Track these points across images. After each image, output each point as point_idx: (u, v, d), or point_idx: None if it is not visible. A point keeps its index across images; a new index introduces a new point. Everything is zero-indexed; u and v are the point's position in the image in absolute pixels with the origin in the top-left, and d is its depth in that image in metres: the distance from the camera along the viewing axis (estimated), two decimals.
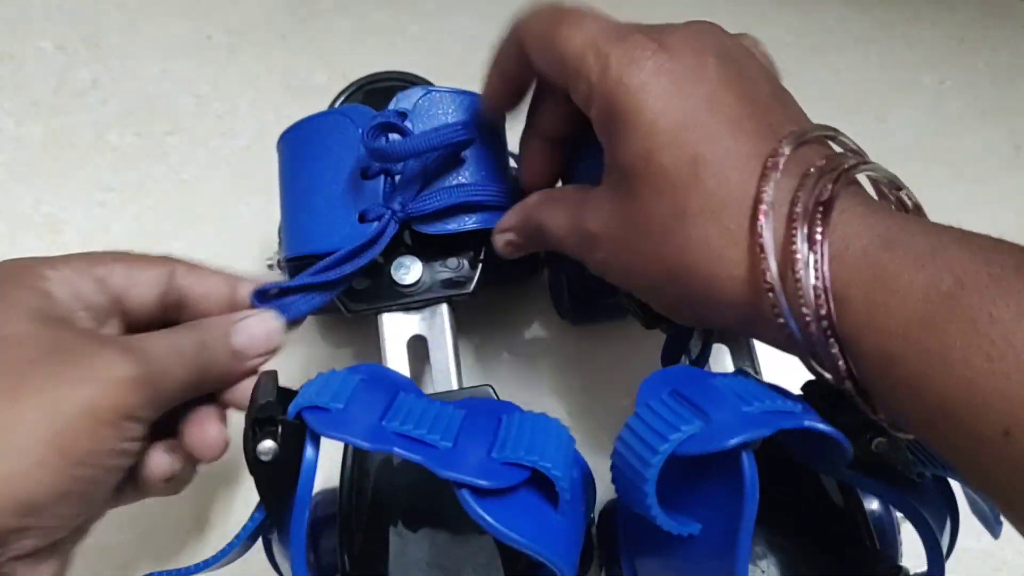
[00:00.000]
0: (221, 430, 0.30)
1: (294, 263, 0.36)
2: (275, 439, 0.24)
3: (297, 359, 0.43)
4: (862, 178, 0.26)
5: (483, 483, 0.23)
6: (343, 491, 0.30)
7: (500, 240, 0.33)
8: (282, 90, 0.50)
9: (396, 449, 0.23)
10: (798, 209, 0.23)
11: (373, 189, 0.34)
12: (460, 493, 0.23)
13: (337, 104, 0.40)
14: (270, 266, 0.39)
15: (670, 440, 0.23)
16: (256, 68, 0.51)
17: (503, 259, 0.35)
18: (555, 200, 0.31)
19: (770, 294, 0.23)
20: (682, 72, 0.26)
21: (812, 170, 0.24)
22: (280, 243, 0.38)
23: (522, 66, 0.30)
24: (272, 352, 0.31)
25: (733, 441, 0.22)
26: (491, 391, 0.33)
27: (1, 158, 0.47)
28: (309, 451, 0.24)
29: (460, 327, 0.38)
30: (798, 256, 0.23)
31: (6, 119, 0.48)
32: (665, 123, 0.25)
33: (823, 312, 0.23)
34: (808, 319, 0.23)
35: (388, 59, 0.51)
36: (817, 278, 0.23)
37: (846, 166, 0.24)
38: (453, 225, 0.34)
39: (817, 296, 0.23)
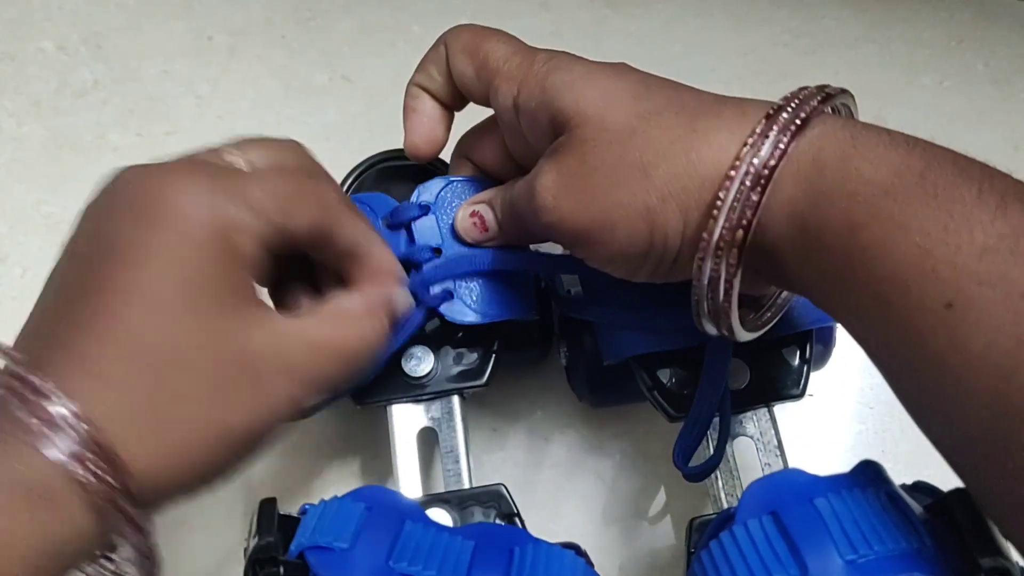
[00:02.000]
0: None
1: None
2: None
3: (305, 447, 0.42)
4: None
5: None
6: None
7: (464, 215, 0.33)
8: (283, 90, 0.50)
9: None
10: (783, 116, 0.24)
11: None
12: None
13: (349, 181, 0.39)
14: None
15: None
16: (257, 68, 0.51)
17: (515, 341, 0.34)
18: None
19: (731, 171, 0.24)
20: (610, 72, 0.28)
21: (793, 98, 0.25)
22: None
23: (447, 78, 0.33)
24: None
25: None
26: (504, 491, 0.32)
27: (2, 158, 0.48)
28: None
29: (473, 405, 0.37)
30: (768, 135, 0.24)
31: (7, 119, 0.49)
32: (609, 86, 0.28)
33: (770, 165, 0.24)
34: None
35: (389, 59, 0.51)
36: (778, 147, 0.24)
37: (826, 94, 0.26)
38: (477, 316, 0.33)
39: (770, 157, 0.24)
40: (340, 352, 0.26)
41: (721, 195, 0.24)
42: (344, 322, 0.27)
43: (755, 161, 0.24)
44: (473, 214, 0.33)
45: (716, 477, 0.33)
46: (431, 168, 0.38)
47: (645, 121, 0.26)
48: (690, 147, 0.25)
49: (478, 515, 0.31)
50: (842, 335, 0.36)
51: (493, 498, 0.31)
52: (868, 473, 0.25)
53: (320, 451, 0.42)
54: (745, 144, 0.24)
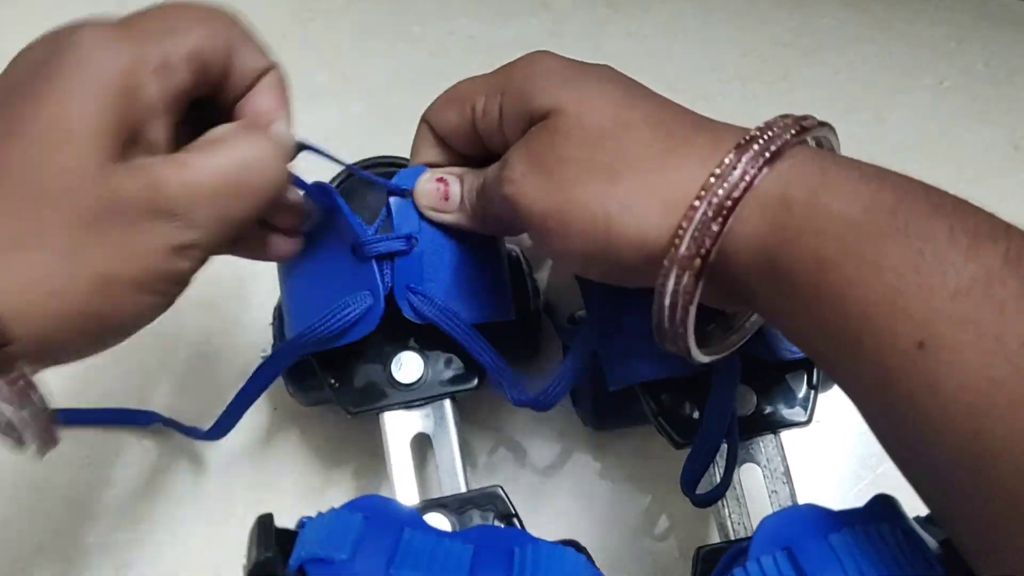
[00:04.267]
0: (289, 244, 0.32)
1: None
2: None
3: (297, 458, 0.42)
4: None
5: None
6: None
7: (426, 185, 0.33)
8: None
9: None
10: (754, 147, 0.24)
11: (370, 271, 0.33)
12: None
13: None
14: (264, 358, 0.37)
15: None
16: None
17: (503, 340, 0.34)
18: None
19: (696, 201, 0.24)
20: (595, 73, 0.29)
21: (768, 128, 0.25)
22: (276, 334, 0.37)
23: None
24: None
25: None
26: (501, 492, 0.32)
27: None
28: None
29: (471, 417, 0.37)
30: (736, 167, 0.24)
31: None
32: (592, 88, 0.28)
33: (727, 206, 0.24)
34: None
35: (389, 59, 0.51)
36: (744, 179, 0.24)
37: (802, 126, 0.25)
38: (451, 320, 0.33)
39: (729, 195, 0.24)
40: (220, 181, 0.25)
41: (684, 224, 0.24)
42: (220, 148, 0.26)
43: (720, 192, 0.24)
44: (440, 179, 0.33)
45: (723, 503, 0.33)
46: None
47: (622, 129, 0.26)
48: (660, 167, 0.25)
49: (476, 518, 0.31)
50: None
51: (490, 500, 0.31)
52: (882, 508, 0.25)
53: (312, 462, 0.41)
54: (712, 175, 0.24)
